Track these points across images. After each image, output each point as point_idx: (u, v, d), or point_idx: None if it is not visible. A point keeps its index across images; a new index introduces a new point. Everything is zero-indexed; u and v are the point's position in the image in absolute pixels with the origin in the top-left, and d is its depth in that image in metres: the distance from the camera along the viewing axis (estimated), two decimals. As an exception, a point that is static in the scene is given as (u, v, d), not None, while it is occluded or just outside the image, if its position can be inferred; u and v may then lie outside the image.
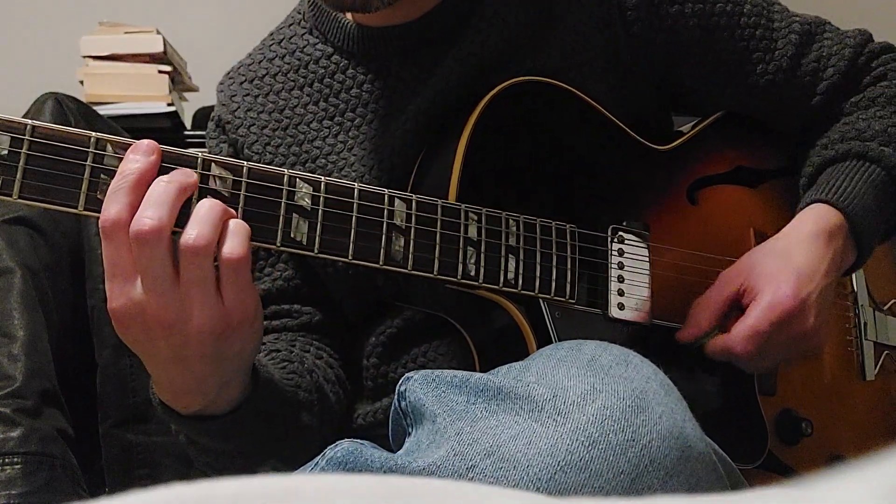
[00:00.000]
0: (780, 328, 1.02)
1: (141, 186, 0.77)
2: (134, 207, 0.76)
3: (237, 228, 0.79)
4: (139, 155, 0.79)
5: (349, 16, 1.14)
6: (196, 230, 0.77)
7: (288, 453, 0.95)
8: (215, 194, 0.83)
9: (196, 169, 0.83)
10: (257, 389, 0.92)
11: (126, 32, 2.22)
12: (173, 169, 0.81)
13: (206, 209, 0.78)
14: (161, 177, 0.78)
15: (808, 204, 1.11)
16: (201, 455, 0.98)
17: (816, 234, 1.06)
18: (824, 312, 1.05)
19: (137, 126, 2.05)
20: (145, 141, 0.80)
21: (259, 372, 0.93)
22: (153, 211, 0.76)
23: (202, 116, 2.23)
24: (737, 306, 1.05)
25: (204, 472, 1.03)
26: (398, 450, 0.78)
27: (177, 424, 0.91)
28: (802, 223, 1.09)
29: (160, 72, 2.19)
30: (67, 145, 0.79)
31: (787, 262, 1.04)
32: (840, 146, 1.13)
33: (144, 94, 2.17)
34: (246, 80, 1.19)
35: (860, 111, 1.17)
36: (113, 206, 0.76)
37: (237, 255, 0.78)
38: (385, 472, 0.70)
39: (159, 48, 2.19)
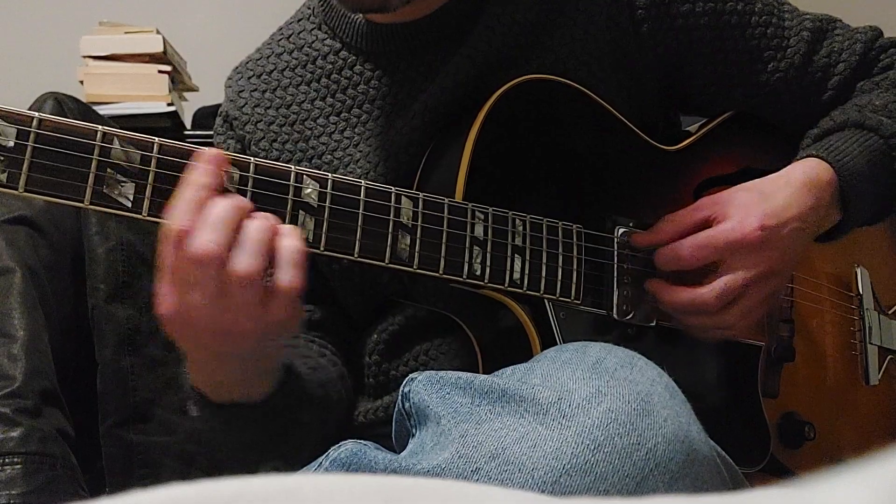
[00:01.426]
0: (737, 254, 1.00)
1: (208, 200, 0.80)
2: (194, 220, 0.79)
3: (291, 257, 0.81)
4: (211, 166, 0.81)
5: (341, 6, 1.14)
6: (246, 260, 0.79)
7: (303, 448, 0.95)
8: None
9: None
10: (288, 381, 0.95)
11: (126, 32, 2.22)
12: (183, 164, 0.82)
13: (257, 235, 0.80)
14: (221, 200, 0.80)
15: (801, 158, 1.10)
16: (220, 448, 1.01)
17: (803, 182, 1.05)
18: (791, 256, 1.04)
19: (137, 126, 2.04)
20: (213, 153, 0.82)
21: (291, 365, 0.96)
22: (212, 234, 0.78)
23: (202, 116, 2.23)
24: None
25: (206, 472, 1.04)
26: (401, 451, 0.77)
27: (208, 413, 0.94)
28: (792, 171, 1.08)
29: (160, 72, 2.18)
30: (74, 138, 0.79)
31: (764, 199, 1.03)
32: (839, 117, 1.13)
33: (144, 94, 2.17)
34: (254, 75, 1.19)
35: (863, 93, 1.17)
36: (184, 215, 0.78)
37: (291, 286, 0.81)
38: (389, 473, 0.69)
39: (159, 48, 2.19)
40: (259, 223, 0.80)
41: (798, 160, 1.10)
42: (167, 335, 0.85)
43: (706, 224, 1.02)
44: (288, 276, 0.80)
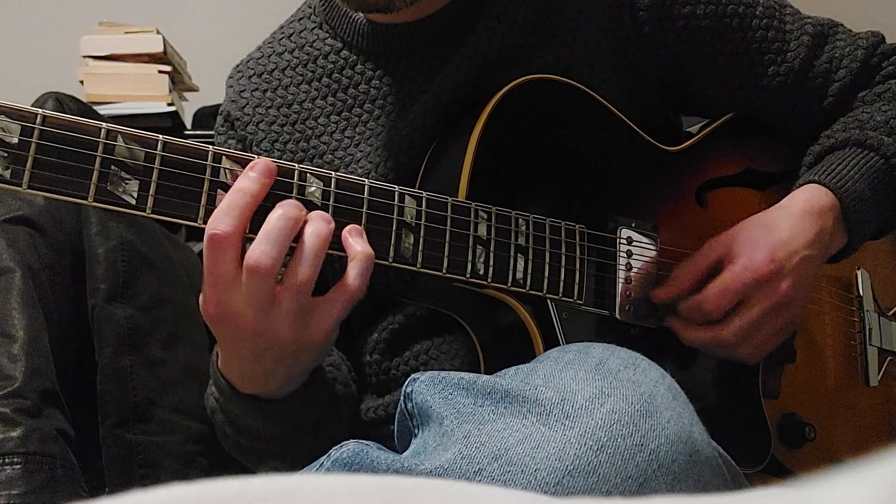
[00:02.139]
0: (753, 290, 1.01)
1: (254, 208, 0.82)
2: (244, 227, 0.82)
3: (364, 268, 0.86)
4: (259, 175, 0.83)
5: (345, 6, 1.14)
6: (304, 272, 0.83)
7: (319, 443, 0.95)
8: (225, 187, 0.83)
9: (206, 162, 0.83)
10: (314, 379, 0.97)
11: (126, 32, 2.22)
12: (187, 161, 0.82)
13: (314, 248, 0.83)
14: (278, 210, 0.82)
15: (801, 185, 1.10)
16: (239, 436, 1.02)
17: (804, 210, 1.06)
18: (803, 282, 1.04)
19: (138, 126, 2.02)
20: (264, 161, 0.84)
21: (319, 367, 0.99)
22: (269, 248, 0.81)
23: (202, 116, 2.23)
24: (718, 273, 1.04)
25: (206, 471, 1.05)
26: (404, 451, 0.77)
27: (233, 401, 0.96)
28: (793, 200, 1.09)
29: (160, 72, 2.19)
30: (78, 135, 0.79)
31: (769, 232, 1.04)
32: (840, 134, 1.13)
33: (144, 94, 2.17)
34: (255, 74, 1.19)
35: (865, 105, 1.17)
36: (227, 222, 0.81)
37: (355, 295, 0.86)
38: (391, 473, 0.69)
39: (159, 48, 2.19)
40: (319, 236, 0.83)
41: (798, 187, 1.10)
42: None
43: (718, 264, 1.03)
44: (355, 283, 0.86)
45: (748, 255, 1.02)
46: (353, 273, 0.86)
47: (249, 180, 0.83)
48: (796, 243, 1.04)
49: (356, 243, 0.86)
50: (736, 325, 1.02)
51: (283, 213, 0.82)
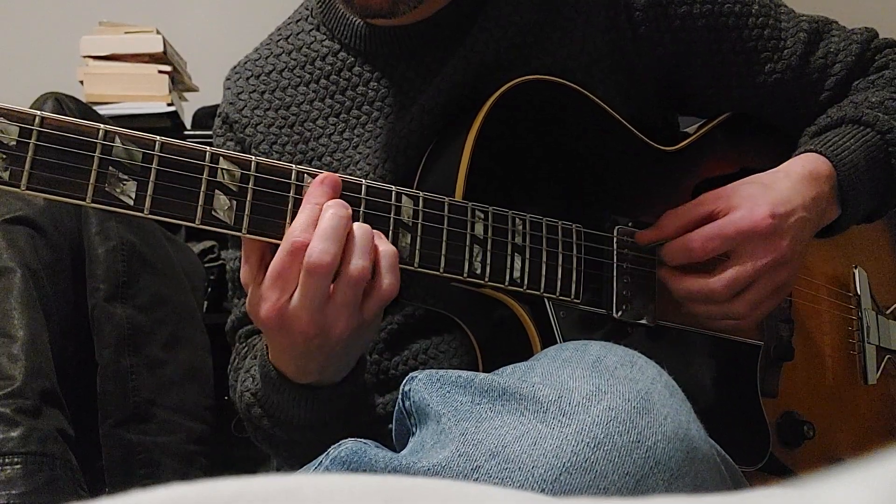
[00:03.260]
0: (748, 243, 1.00)
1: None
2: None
3: (393, 263, 0.88)
4: (329, 189, 0.87)
5: (347, 11, 1.14)
6: (360, 263, 0.85)
7: (345, 431, 0.96)
8: (223, 188, 0.83)
9: (204, 163, 0.83)
10: (358, 368, 0.98)
11: (126, 32, 2.22)
12: (184, 162, 0.82)
13: (364, 239, 0.86)
14: (329, 209, 0.85)
15: (799, 153, 1.10)
16: (277, 428, 1.03)
17: (802, 174, 1.06)
18: (800, 246, 1.03)
19: (137, 126, 2.03)
20: (334, 177, 0.88)
21: (363, 354, 1.01)
22: (329, 245, 0.83)
23: (202, 116, 2.23)
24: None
25: (206, 471, 1.05)
26: (402, 449, 0.77)
27: (284, 392, 0.97)
28: (791, 165, 1.08)
29: (160, 72, 2.19)
30: (76, 136, 0.79)
31: (768, 189, 1.03)
32: (836, 114, 1.13)
33: (144, 94, 2.17)
34: (252, 76, 1.19)
35: (859, 92, 1.17)
36: (305, 233, 0.84)
37: (392, 291, 0.88)
38: (389, 471, 0.69)
39: (159, 48, 2.19)
40: (364, 228, 0.87)
41: (796, 155, 1.10)
42: (258, 327, 0.91)
43: (710, 218, 1.02)
44: (388, 278, 0.87)
45: (748, 207, 1.00)
46: (385, 248, 0.89)
47: (322, 194, 0.86)
48: (795, 203, 1.03)
49: (380, 243, 0.89)
50: (728, 277, 1.00)
51: (334, 211, 0.85)
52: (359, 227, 0.86)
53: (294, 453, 1.06)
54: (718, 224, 1.00)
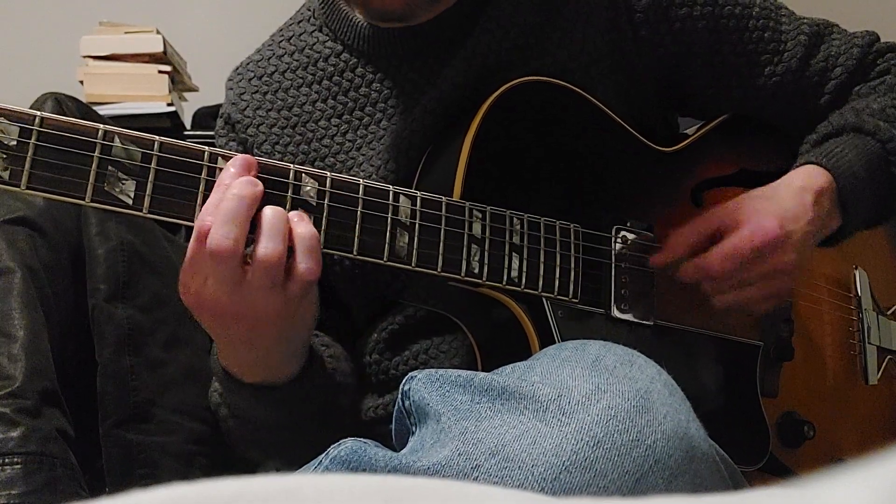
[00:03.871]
0: (759, 255, 1.01)
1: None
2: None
3: (312, 245, 0.85)
4: (239, 171, 0.84)
5: (360, 14, 1.14)
6: (270, 245, 0.82)
7: (323, 433, 0.97)
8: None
9: (203, 162, 0.83)
10: (312, 365, 0.99)
11: (126, 32, 2.22)
12: (183, 161, 0.82)
13: (274, 221, 0.83)
14: (232, 190, 0.82)
15: (799, 165, 1.11)
16: (243, 428, 1.04)
17: (804, 188, 1.06)
18: (803, 259, 1.05)
19: (137, 126, 2.02)
20: (247, 158, 0.85)
21: (314, 350, 1.01)
22: (228, 229, 0.81)
23: (202, 116, 2.23)
24: (717, 241, 1.04)
25: (206, 471, 1.06)
26: (402, 449, 0.77)
27: (237, 392, 0.98)
28: (791, 178, 1.09)
29: (160, 72, 2.19)
30: (76, 136, 0.79)
31: (773, 202, 1.04)
32: (837, 122, 1.13)
33: (144, 94, 2.17)
34: (255, 77, 1.19)
35: (860, 98, 1.17)
36: (210, 216, 0.82)
37: (311, 274, 0.85)
38: (389, 471, 0.69)
39: (159, 48, 2.19)
40: (276, 210, 0.84)
41: (796, 167, 1.10)
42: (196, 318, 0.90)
43: (717, 234, 1.03)
44: (306, 262, 0.84)
45: (756, 221, 1.02)
46: (302, 230, 0.86)
47: (230, 175, 0.84)
48: (801, 218, 1.04)
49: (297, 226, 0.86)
50: (732, 296, 1.03)
51: (237, 192, 0.82)
52: (269, 209, 0.84)
53: (272, 454, 1.07)
54: (732, 243, 1.01)
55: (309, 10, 1.21)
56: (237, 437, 1.08)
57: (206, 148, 0.85)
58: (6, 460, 1.10)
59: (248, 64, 1.22)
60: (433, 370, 0.79)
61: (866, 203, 1.11)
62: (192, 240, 0.83)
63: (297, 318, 0.90)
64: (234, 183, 0.83)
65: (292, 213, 0.86)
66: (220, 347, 0.96)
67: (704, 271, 1.02)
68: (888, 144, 1.10)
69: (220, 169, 0.85)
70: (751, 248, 1.01)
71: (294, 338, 0.94)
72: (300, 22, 1.21)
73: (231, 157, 0.86)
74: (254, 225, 0.83)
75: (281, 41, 1.21)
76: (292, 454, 0.87)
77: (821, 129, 1.15)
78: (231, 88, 1.21)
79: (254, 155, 1.14)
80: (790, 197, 1.05)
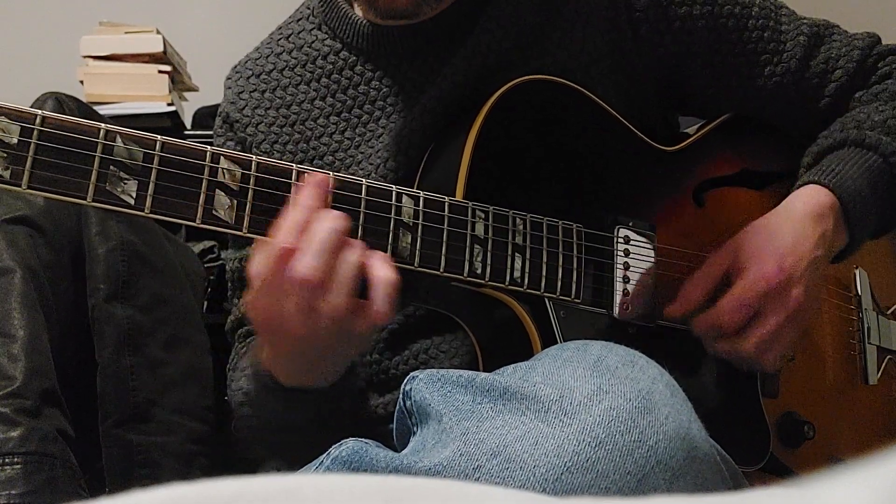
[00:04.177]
0: (766, 299, 1.01)
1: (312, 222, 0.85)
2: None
3: (388, 292, 0.85)
4: (320, 192, 0.85)
5: (359, 12, 1.14)
6: (338, 298, 0.84)
7: (340, 435, 0.97)
8: (224, 187, 0.83)
9: (205, 162, 0.83)
10: (349, 373, 0.99)
11: (126, 32, 2.22)
12: (185, 161, 0.82)
13: (350, 268, 0.84)
14: (327, 223, 0.83)
15: (801, 186, 1.10)
16: (265, 428, 1.04)
17: (805, 213, 1.06)
18: (813, 285, 1.05)
19: (137, 126, 2.03)
20: (325, 178, 0.86)
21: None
22: (318, 261, 0.82)
23: (202, 116, 2.23)
24: (727, 284, 1.05)
25: (206, 471, 1.05)
26: (403, 449, 0.77)
27: (275, 394, 0.97)
28: (792, 203, 1.09)
29: (160, 72, 2.19)
30: (77, 136, 0.79)
31: (773, 238, 1.04)
32: (838, 135, 1.13)
33: (144, 94, 2.17)
34: (253, 75, 1.19)
35: (862, 105, 1.17)
36: (290, 237, 0.83)
37: (384, 319, 0.86)
38: (391, 471, 0.69)
39: (159, 48, 2.19)
40: (355, 255, 0.85)
41: (796, 189, 1.10)
42: (255, 332, 0.93)
43: (726, 276, 1.04)
44: (379, 306, 0.85)
45: (757, 265, 1.02)
46: (381, 274, 0.87)
47: (308, 197, 0.85)
48: (802, 248, 1.04)
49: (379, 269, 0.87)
50: (756, 338, 1.02)
51: (330, 226, 0.84)
52: (349, 254, 0.85)
53: (284, 454, 1.07)
54: (736, 295, 1.02)
55: (308, 9, 1.21)
56: (255, 435, 1.07)
57: (208, 148, 0.84)
58: (6, 460, 1.10)
59: (246, 62, 1.22)
60: (435, 370, 0.79)
61: (871, 218, 1.11)
62: (268, 258, 0.83)
63: (354, 348, 0.93)
64: (329, 216, 0.84)
65: (377, 254, 0.87)
66: (266, 353, 0.96)
67: (717, 325, 1.03)
68: (890, 158, 1.10)
69: (224, 169, 0.84)
70: (755, 295, 1.01)
71: (348, 356, 0.96)
72: (299, 20, 1.21)
73: (234, 157, 0.85)
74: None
75: (279, 39, 1.21)
76: (301, 454, 0.86)
77: (822, 142, 1.15)
78: (229, 87, 1.21)
79: (252, 154, 1.14)
80: (790, 228, 1.05)
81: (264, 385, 0.97)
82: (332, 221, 0.84)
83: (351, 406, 1.04)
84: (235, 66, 1.23)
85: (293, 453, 1.04)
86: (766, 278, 1.01)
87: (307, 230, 0.83)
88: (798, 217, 1.06)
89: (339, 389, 0.99)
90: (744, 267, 1.03)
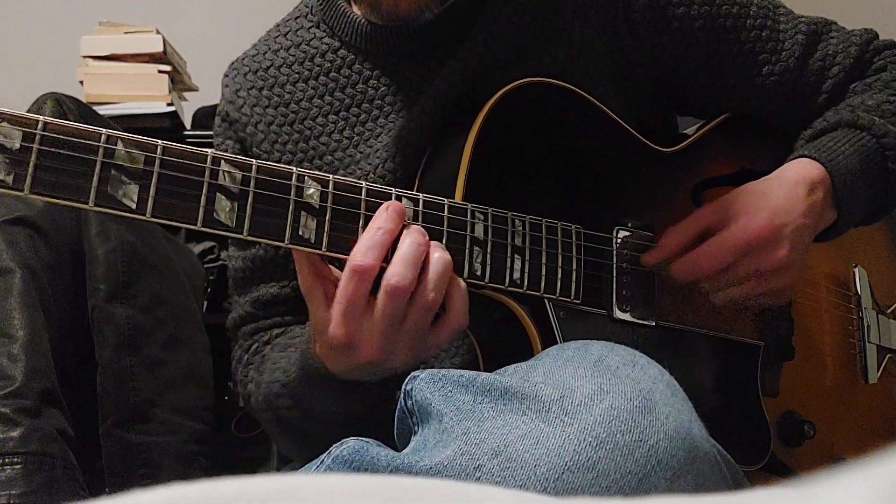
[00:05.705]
0: (750, 251, 1.01)
1: (390, 245, 0.88)
2: (381, 260, 0.87)
3: (465, 299, 0.90)
4: (395, 214, 0.88)
5: (358, 11, 1.14)
6: (433, 293, 0.87)
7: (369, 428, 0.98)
8: (224, 190, 0.83)
9: (206, 165, 0.83)
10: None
11: (126, 32, 2.22)
12: (186, 165, 0.82)
13: (440, 268, 0.88)
14: (408, 237, 0.87)
15: (793, 159, 1.10)
16: (304, 420, 1.04)
17: (797, 181, 1.06)
18: (799, 252, 1.04)
19: (137, 126, 2.04)
20: (399, 205, 0.89)
21: None
22: (407, 270, 0.86)
23: (202, 116, 2.23)
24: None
25: (206, 472, 1.05)
26: (403, 448, 0.77)
27: (321, 385, 0.98)
28: (784, 171, 1.08)
29: (160, 72, 2.19)
30: (78, 141, 0.79)
31: (764, 198, 1.04)
32: (832, 118, 1.13)
33: (144, 94, 2.17)
34: (250, 71, 1.19)
35: (856, 94, 1.17)
36: (371, 255, 0.86)
37: (462, 325, 0.90)
38: (391, 471, 0.69)
39: (159, 48, 2.19)
40: (445, 261, 0.88)
41: (790, 160, 1.10)
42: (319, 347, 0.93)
43: (709, 231, 1.03)
44: (459, 314, 0.89)
45: (746, 217, 1.01)
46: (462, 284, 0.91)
47: (387, 220, 0.87)
48: (793, 211, 1.03)
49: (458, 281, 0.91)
50: (731, 283, 1.03)
51: (413, 239, 0.87)
52: (436, 256, 0.88)
53: (315, 446, 1.07)
54: (721, 238, 1.01)
55: (306, 7, 1.21)
56: (290, 427, 1.07)
57: (210, 151, 0.84)
58: (6, 460, 1.10)
59: (243, 59, 1.22)
60: (436, 370, 0.79)
61: (861, 198, 1.10)
62: (346, 279, 0.86)
63: (426, 354, 0.95)
64: (411, 230, 0.88)
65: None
66: (326, 357, 0.96)
67: (694, 269, 1.02)
68: (883, 139, 1.10)
69: (225, 172, 0.84)
70: (740, 244, 1.00)
71: (407, 364, 0.96)
72: (297, 18, 1.21)
73: (235, 161, 0.85)
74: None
75: (277, 36, 1.21)
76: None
77: (816, 125, 1.15)
78: (227, 85, 1.21)
79: (253, 153, 1.14)
80: (782, 191, 1.05)
81: (314, 379, 0.98)
82: (414, 236, 0.87)
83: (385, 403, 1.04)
84: (233, 63, 1.22)
85: (325, 447, 1.04)
86: (755, 228, 1.00)
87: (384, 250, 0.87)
88: (790, 184, 1.05)
89: (384, 385, 1.00)
90: (732, 219, 1.02)
